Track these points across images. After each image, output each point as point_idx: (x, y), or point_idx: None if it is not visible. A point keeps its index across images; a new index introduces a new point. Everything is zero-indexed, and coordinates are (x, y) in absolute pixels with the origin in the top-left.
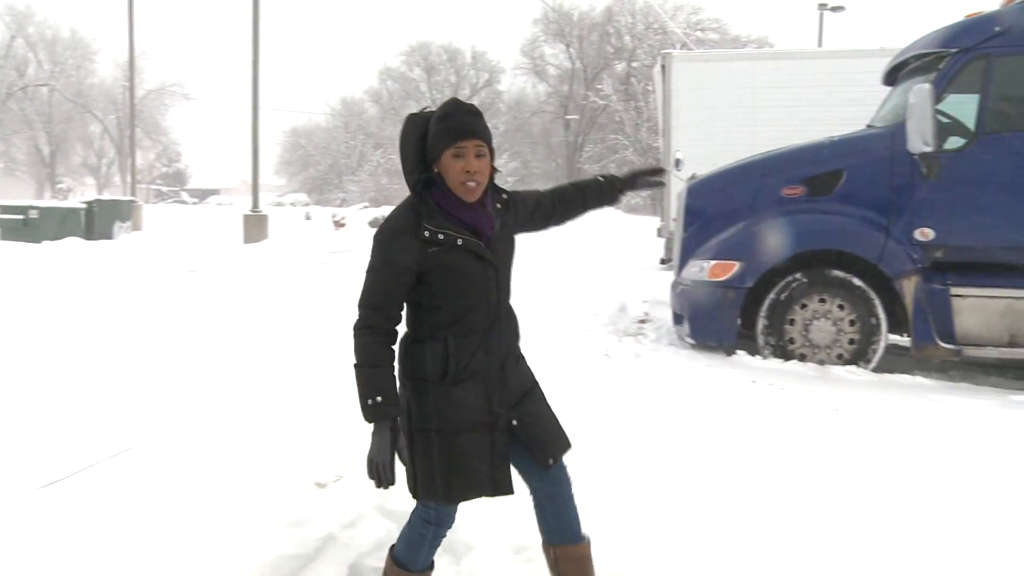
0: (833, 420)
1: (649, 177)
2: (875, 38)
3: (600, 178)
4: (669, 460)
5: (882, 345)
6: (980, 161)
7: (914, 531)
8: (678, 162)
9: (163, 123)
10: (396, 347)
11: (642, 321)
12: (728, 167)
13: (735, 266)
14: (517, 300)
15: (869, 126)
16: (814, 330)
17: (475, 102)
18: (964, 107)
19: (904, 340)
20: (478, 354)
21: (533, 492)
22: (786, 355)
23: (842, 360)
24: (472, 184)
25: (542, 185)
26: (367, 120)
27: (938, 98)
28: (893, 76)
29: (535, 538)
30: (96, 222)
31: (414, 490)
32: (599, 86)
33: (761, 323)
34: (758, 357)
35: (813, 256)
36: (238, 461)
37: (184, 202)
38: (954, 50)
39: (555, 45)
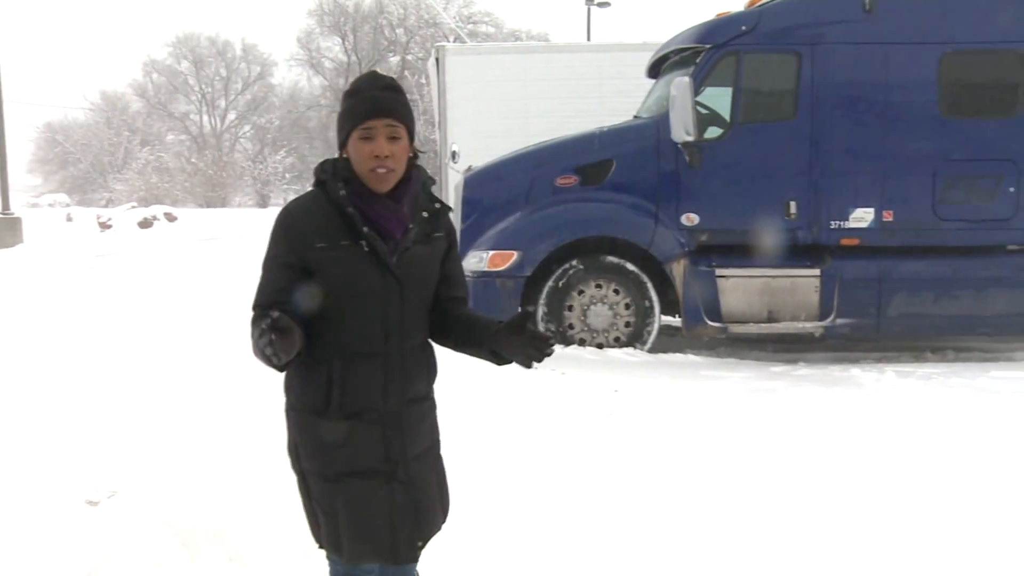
0: (613, 401)
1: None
2: (640, 32)
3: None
4: (455, 451)
5: (656, 326)
6: (735, 149)
7: (682, 502)
8: (454, 154)
9: None
10: None
11: None
12: (503, 158)
13: (513, 256)
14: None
15: (636, 117)
16: (592, 315)
17: (247, 97)
18: (720, 99)
19: (676, 321)
20: (373, 386)
21: None
22: (566, 340)
23: (619, 343)
24: (382, 171)
25: None
26: (132, 115)
27: (696, 91)
28: (656, 69)
29: None
30: None
31: (318, 537)
32: None
33: (541, 310)
34: None
35: (588, 243)
36: None
37: None
38: (708, 46)
39: (330, 38)
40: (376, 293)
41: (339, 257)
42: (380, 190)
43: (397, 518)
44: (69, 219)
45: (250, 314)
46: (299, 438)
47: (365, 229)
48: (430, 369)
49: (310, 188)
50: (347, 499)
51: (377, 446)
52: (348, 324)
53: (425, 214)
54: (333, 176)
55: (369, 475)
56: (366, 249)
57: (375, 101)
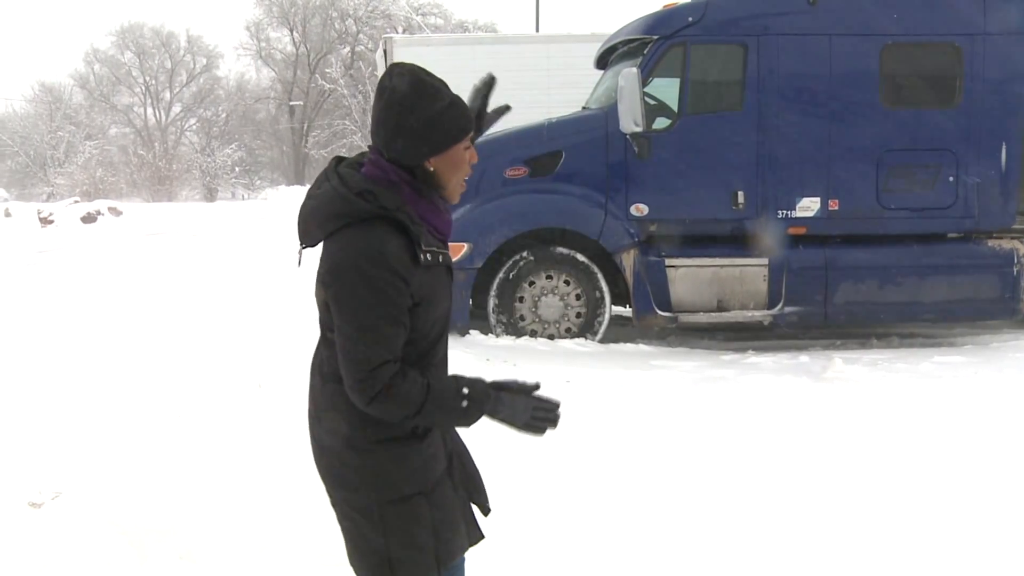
0: (565, 392)
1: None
2: (588, 23)
3: None
4: None
5: (607, 317)
6: (684, 140)
7: (634, 491)
8: None
9: None
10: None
11: None
12: None
13: (464, 248)
14: (241, 290)
15: (584, 108)
16: (543, 306)
17: (193, 89)
18: (668, 90)
19: (626, 311)
20: None
21: None
22: (517, 332)
23: (571, 333)
24: (465, 180)
25: (269, 173)
26: (75, 108)
27: (644, 81)
28: (604, 60)
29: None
30: None
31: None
32: (326, 70)
33: (492, 302)
34: (491, 336)
35: (538, 234)
36: None
37: None
38: (655, 37)
39: (279, 29)
40: (449, 300)
41: (431, 279)
42: (455, 202)
43: (462, 500)
44: (8, 214)
45: (385, 369)
46: (385, 469)
47: (441, 257)
48: None
49: (366, 226)
50: (446, 500)
51: (443, 442)
52: (430, 337)
53: None
54: (402, 206)
55: (446, 471)
56: (445, 264)
57: (470, 112)
